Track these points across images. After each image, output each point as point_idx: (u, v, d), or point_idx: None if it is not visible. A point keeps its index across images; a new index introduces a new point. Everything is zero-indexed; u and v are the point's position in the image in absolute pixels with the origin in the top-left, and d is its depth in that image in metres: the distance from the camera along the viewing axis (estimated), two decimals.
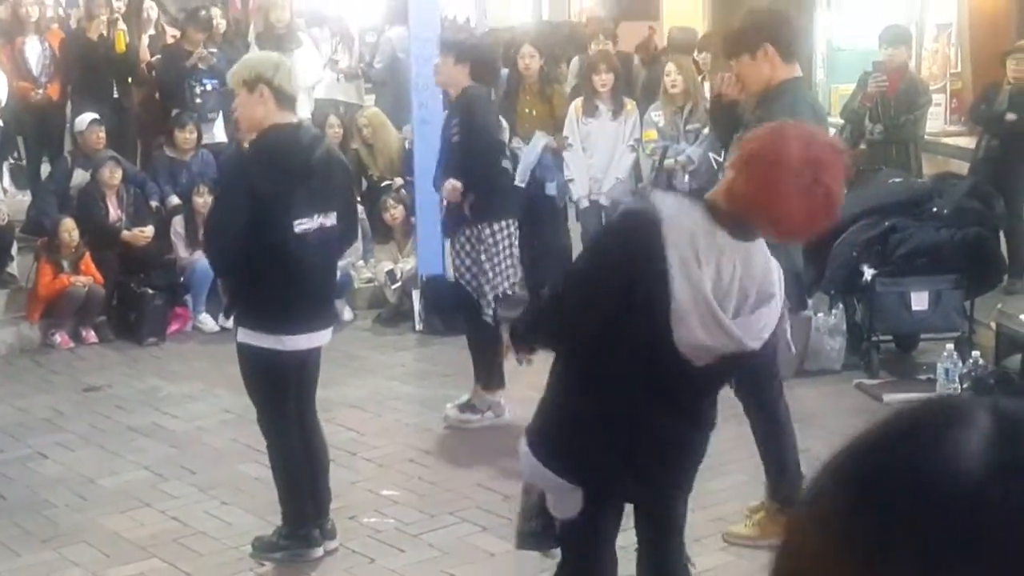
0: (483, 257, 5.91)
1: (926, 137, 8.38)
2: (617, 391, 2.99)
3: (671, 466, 3.16)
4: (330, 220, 4.39)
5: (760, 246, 2.99)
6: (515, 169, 7.35)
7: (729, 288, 2.90)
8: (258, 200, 4.20)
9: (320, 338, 4.51)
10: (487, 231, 5.92)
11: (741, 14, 4.72)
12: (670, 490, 3.24)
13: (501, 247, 5.98)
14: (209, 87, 9.16)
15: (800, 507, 0.78)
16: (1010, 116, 7.84)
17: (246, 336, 4.39)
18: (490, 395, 6.04)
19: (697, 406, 3.11)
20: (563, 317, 3.13)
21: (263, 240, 4.21)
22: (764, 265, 3.00)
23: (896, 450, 0.75)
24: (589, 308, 2.99)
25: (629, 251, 2.90)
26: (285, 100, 4.32)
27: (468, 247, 5.94)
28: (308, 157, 4.36)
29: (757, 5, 4.68)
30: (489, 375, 6.06)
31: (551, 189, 7.99)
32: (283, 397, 4.48)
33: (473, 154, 5.86)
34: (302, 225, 4.27)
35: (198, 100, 9.12)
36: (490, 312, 5.96)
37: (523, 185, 7.83)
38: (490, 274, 5.93)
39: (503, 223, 5.99)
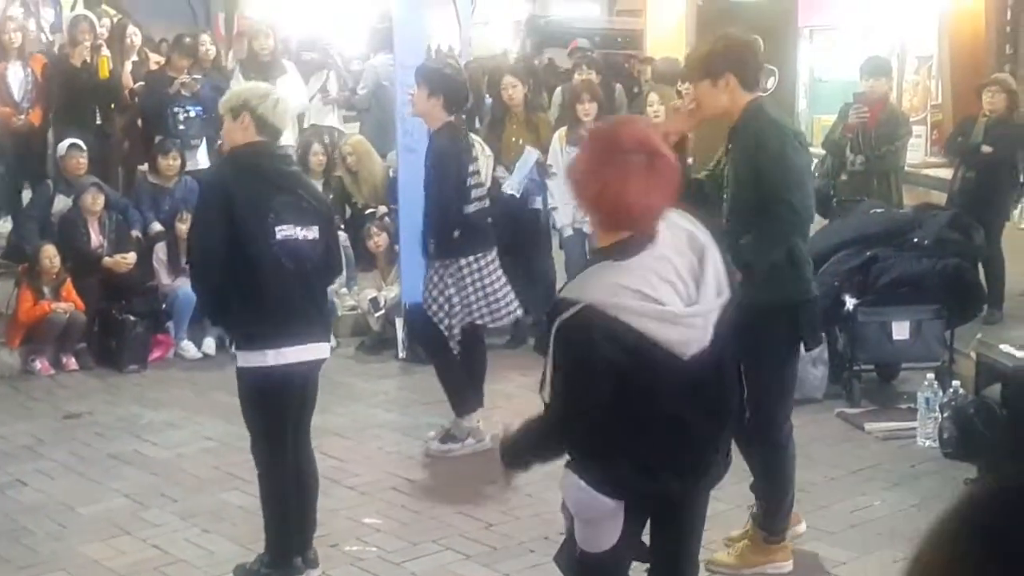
0: (451, 291, 5.95)
1: (907, 168, 8.45)
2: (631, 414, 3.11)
3: (703, 461, 3.24)
4: (312, 233, 4.41)
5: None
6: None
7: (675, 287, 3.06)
8: (236, 208, 4.24)
9: (314, 351, 4.50)
10: (454, 266, 5.97)
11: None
12: (704, 488, 3.32)
13: (469, 281, 6.01)
14: (192, 114, 9.17)
15: (921, 555, 0.77)
16: (986, 148, 7.93)
17: (244, 360, 4.39)
18: (467, 421, 6.05)
19: (715, 400, 3.19)
20: (564, 434, 3.23)
21: (245, 250, 4.23)
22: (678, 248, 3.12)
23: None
24: (587, 413, 3.10)
25: (597, 355, 2.99)
26: (266, 129, 4.37)
27: (436, 278, 5.99)
28: (283, 167, 4.47)
29: (731, 32, 4.72)
30: (462, 401, 6.07)
31: (536, 203, 8.05)
32: (280, 422, 4.48)
33: (442, 190, 5.96)
34: (283, 231, 4.29)
35: (181, 127, 9.11)
36: (455, 344, 6.05)
37: (518, 195, 7.91)
38: (457, 307, 5.97)
39: (470, 258, 6.02)
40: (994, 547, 0.72)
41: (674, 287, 3.05)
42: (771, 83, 6.91)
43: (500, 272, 6.24)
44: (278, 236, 4.28)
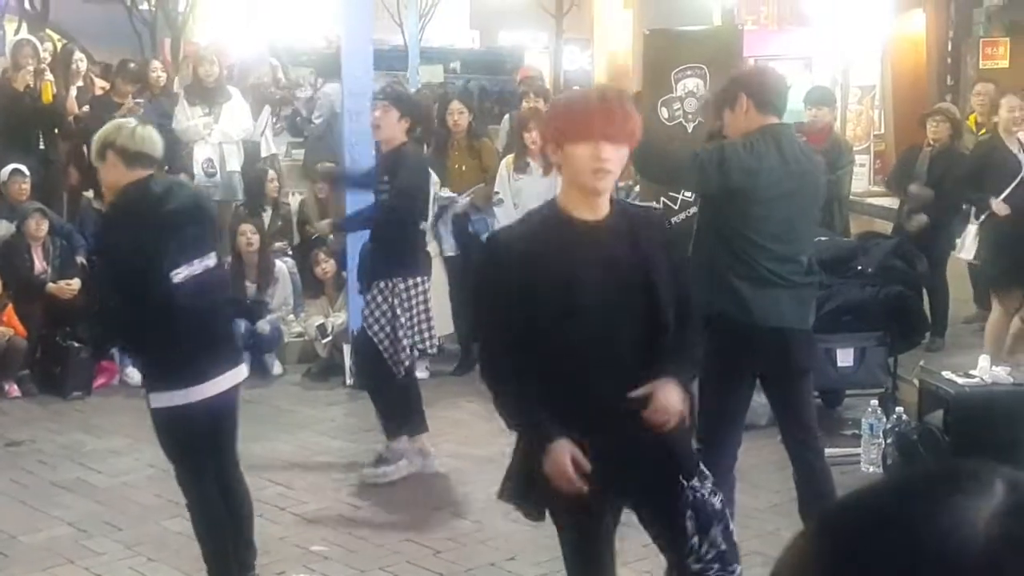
0: (398, 311, 5.93)
1: (851, 197, 8.58)
2: None
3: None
4: (210, 260, 4.39)
5: None
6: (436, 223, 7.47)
7: None
8: (129, 259, 4.18)
9: (230, 379, 4.47)
10: (401, 285, 5.95)
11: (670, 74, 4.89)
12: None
13: (415, 302, 6.01)
14: None
15: (783, 555, 0.77)
16: (913, 189, 8.07)
17: (159, 400, 4.31)
18: (397, 443, 6.05)
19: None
20: None
21: (147, 298, 4.18)
22: None
23: (899, 507, 0.73)
24: None
25: None
26: (132, 158, 4.25)
27: (380, 299, 5.96)
28: (165, 206, 4.31)
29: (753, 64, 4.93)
30: (397, 423, 6.08)
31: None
32: (199, 453, 4.43)
33: (401, 208, 5.94)
34: (179, 275, 4.24)
35: None
36: (402, 367, 6.04)
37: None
38: (405, 328, 5.95)
39: (417, 279, 6.03)
40: (835, 556, 0.74)
41: None
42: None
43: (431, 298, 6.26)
44: (176, 280, 4.22)
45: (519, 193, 7.98)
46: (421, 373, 8.10)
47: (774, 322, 4.41)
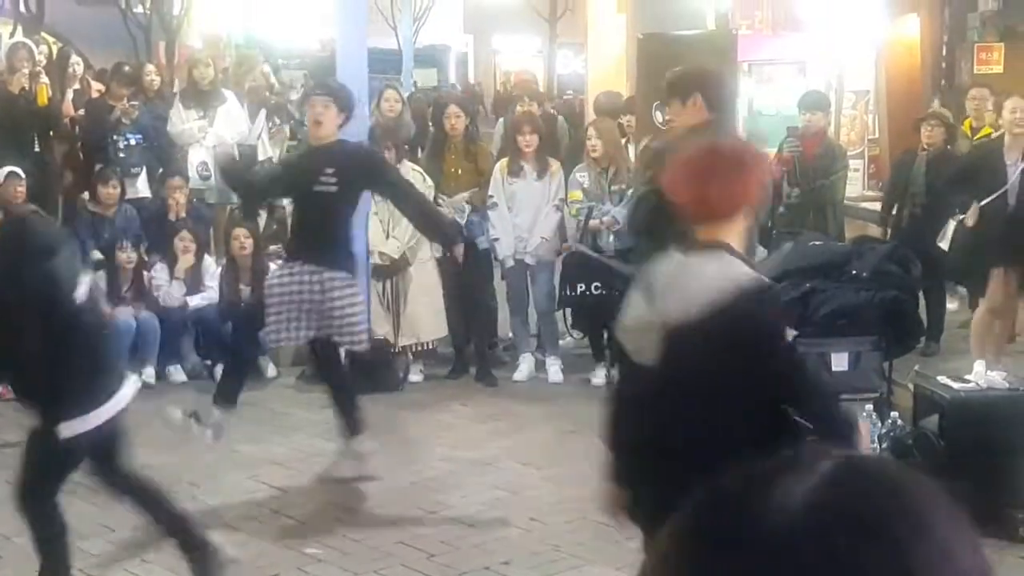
0: (340, 302, 5.94)
1: (845, 201, 8.60)
2: None
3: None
4: (89, 276, 4.46)
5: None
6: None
7: None
8: (36, 289, 4.17)
9: (129, 393, 4.49)
10: (336, 278, 5.94)
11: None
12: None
13: (360, 299, 6.13)
14: (132, 142, 9.14)
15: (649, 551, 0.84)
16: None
17: (70, 428, 4.27)
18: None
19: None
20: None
21: (55, 325, 4.18)
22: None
23: (734, 493, 0.79)
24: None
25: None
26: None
27: (320, 291, 5.93)
28: (45, 233, 4.42)
29: (686, 65, 5.07)
30: (356, 421, 6.13)
31: (483, 243, 8.07)
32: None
33: (352, 206, 6.06)
34: (80, 295, 4.27)
35: (121, 155, 9.08)
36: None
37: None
38: (337, 322, 5.98)
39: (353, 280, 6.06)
40: (689, 545, 0.79)
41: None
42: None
43: None
44: (78, 303, 4.23)
45: (513, 197, 8.00)
46: (415, 376, 8.12)
47: None
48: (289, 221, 7.05)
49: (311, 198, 5.98)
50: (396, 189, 6.33)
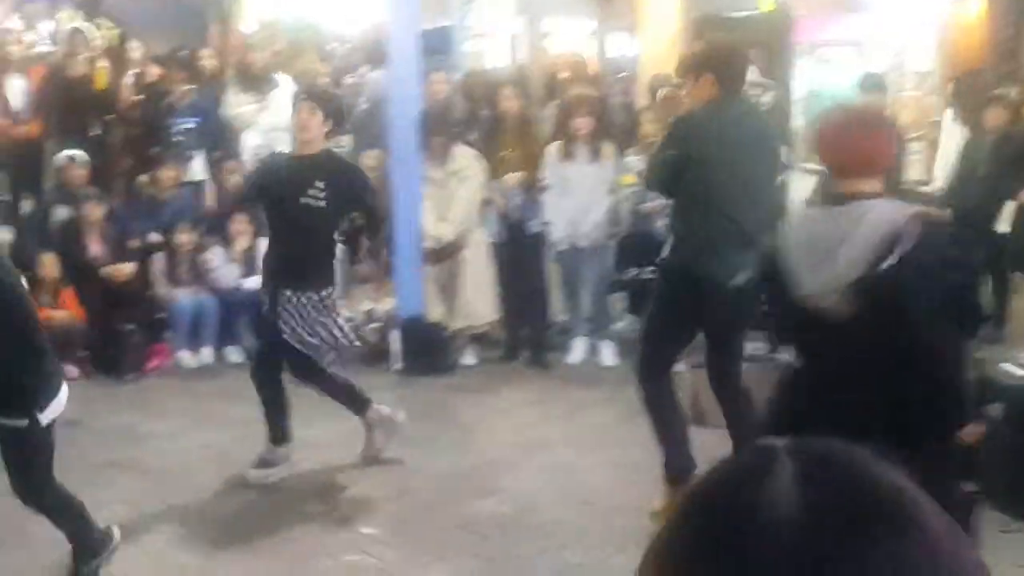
0: (322, 318, 5.71)
1: (906, 185, 8.50)
2: None
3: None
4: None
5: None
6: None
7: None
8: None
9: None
10: (316, 296, 5.69)
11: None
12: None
13: (331, 310, 5.80)
14: (189, 126, 9.23)
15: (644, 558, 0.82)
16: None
17: (50, 413, 4.35)
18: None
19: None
20: None
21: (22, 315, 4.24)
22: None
23: (718, 503, 0.78)
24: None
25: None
26: None
27: (298, 310, 5.68)
28: None
29: (719, 40, 5.42)
30: (361, 402, 6.10)
31: (535, 227, 8.07)
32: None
33: (336, 224, 5.75)
34: (22, 284, 4.34)
35: (178, 138, 9.17)
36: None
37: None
38: (322, 334, 5.76)
39: (329, 289, 5.83)
40: (681, 552, 0.78)
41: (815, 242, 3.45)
42: (768, 98, 6.98)
43: None
44: (19, 290, 4.29)
45: (566, 180, 7.98)
46: (468, 359, 8.17)
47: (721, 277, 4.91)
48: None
49: (296, 212, 5.58)
50: (373, 217, 6.03)
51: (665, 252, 5.07)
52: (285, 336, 5.66)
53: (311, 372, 5.88)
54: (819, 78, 10.33)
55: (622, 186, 7.98)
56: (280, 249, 5.72)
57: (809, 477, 0.77)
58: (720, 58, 5.00)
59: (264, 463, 5.88)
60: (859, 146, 3.48)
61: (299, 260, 5.59)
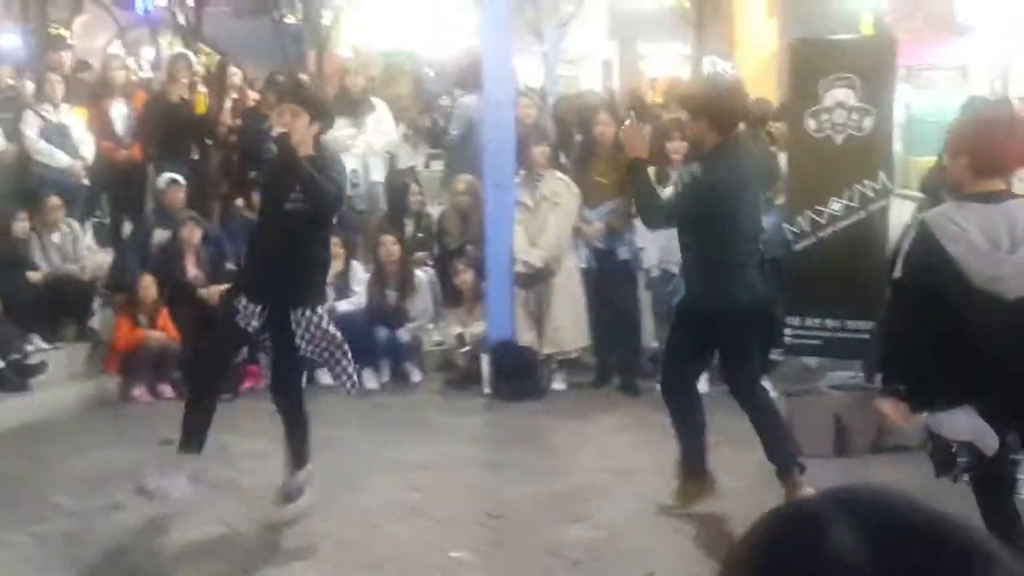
0: (332, 330, 5.45)
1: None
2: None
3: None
4: None
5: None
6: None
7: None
8: None
9: None
10: (319, 311, 5.41)
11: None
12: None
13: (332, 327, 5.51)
14: None
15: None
16: None
17: None
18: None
19: None
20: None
21: None
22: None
23: (779, 557, 0.79)
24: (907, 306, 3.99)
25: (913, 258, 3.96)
26: None
27: (312, 328, 5.39)
28: None
29: (713, 77, 5.49)
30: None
31: (624, 254, 8.01)
32: None
33: (326, 229, 5.51)
34: None
35: None
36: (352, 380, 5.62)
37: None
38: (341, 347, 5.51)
39: (326, 305, 5.57)
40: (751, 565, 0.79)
41: (988, 236, 3.84)
42: (868, 123, 6.85)
43: None
44: None
45: None
46: (558, 384, 8.13)
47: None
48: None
49: (280, 218, 5.27)
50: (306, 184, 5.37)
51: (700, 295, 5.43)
52: (305, 353, 5.41)
53: (295, 396, 5.62)
54: (921, 103, 10.13)
55: None
56: (264, 264, 5.35)
57: (869, 524, 0.77)
58: (713, 103, 5.28)
59: (289, 496, 5.59)
60: (1008, 148, 3.90)
61: (284, 275, 5.24)
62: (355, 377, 5.66)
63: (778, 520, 0.81)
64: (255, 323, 5.33)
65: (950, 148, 4.12)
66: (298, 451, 5.63)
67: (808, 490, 4.97)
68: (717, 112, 5.26)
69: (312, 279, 5.40)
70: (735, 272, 5.31)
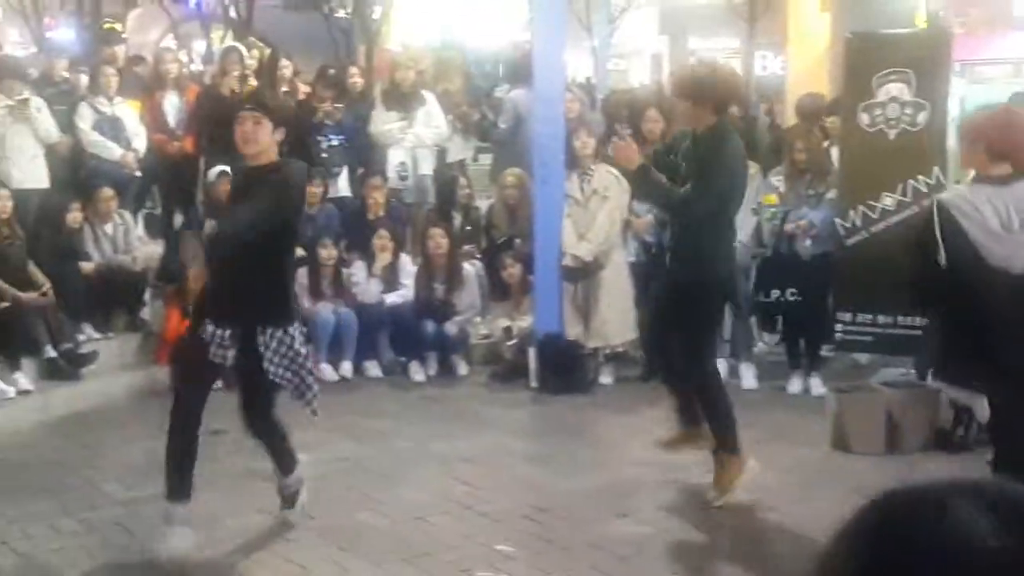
0: (303, 351, 5.13)
1: None
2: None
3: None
4: None
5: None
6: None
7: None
8: None
9: None
10: (290, 331, 5.04)
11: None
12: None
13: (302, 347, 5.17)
14: (335, 142, 9.41)
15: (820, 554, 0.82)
16: None
17: None
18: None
19: None
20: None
21: None
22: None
23: (908, 512, 0.78)
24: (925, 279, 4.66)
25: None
26: None
27: (283, 348, 5.01)
28: None
29: (713, 64, 5.80)
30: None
31: None
32: None
33: (293, 244, 5.33)
34: None
35: (324, 155, 9.35)
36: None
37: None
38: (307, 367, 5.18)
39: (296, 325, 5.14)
40: (864, 550, 0.78)
41: (1000, 216, 4.36)
42: (922, 118, 6.77)
43: None
44: None
45: None
46: (605, 378, 8.11)
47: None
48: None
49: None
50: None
51: (691, 268, 5.55)
52: (271, 377, 5.04)
53: (269, 422, 5.32)
54: (975, 97, 10.01)
55: (765, 206, 7.83)
56: (230, 285, 4.96)
57: (998, 506, 0.75)
58: (716, 86, 5.45)
59: (292, 497, 5.46)
60: (1010, 132, 4.45)
61: (251, 296, 4.90)
62: (315, 404, 5.22)
63: (893, 502, 0.80)
64: (230, 354, 4.99)
65: (969, 136, 4.63)
66: (282, 461, 5.41)
67: None
68: (714, 94, 5.41)
69: (279, 296, 5.05)
70: (720, 243, 5.50)
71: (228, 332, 4.96)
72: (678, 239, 5.66)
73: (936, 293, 4.50)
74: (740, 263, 7.88)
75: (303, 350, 5.10)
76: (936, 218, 4.41)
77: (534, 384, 7.93)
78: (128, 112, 9.28)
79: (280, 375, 5.02)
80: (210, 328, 4.98)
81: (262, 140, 4.97)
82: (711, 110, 5.41)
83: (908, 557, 0.74)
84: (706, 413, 5.69)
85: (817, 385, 7.68)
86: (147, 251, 9.04)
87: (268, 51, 11.31)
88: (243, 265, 4.89)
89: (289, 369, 5.02)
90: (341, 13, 21.89)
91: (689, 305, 5.52)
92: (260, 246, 4.83)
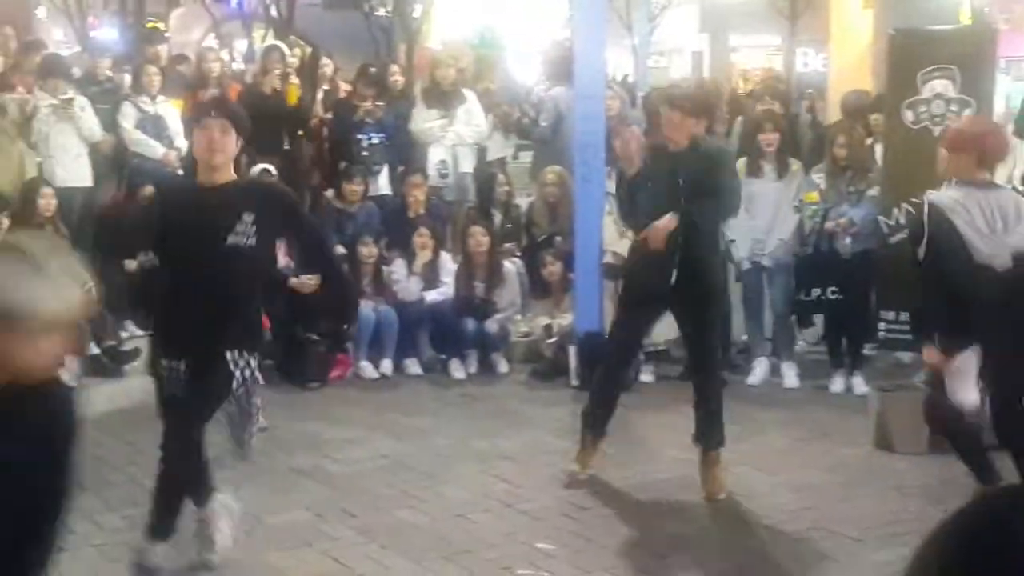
0: (260, 380, 4.99)
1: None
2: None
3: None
4: None
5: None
6: None
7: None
8: None
9: None
10: (257, 357, 4.81)
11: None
12: None
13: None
14: (376, 140, 9.43)
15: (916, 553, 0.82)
16: None
17: None
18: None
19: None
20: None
21: None
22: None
23: (1004, 515, 0.78)
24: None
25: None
26: None
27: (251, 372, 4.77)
28: None
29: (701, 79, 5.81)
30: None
31: None
32: None
33: (267, 266, 5.11)
34: None
35: (365, 153, 9.38)
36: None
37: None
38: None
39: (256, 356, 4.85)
40: (963, 551, 0.78)
41: (986, 217, 4.83)
42: (967, 113, 6.70)
43: None
44: None
45: (751, 198, 7.78)
46: (647, 376, 8.08)
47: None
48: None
49: (218, 255, 4.51)
50: (313, 236, 5.11)
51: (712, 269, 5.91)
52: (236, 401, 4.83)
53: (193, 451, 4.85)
54: (1020, 93, 9.90)
55: (806, 203, 7.78)
56: (194, 313, 4.51)
57: None
58: (710, 106, 5.95)
59: (210, 543, 4.95)
60: (999, 143, 5.03)
61: (221, 323, 4.51)
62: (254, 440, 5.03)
63: (992, 503, 0.81)
64: (180, 390, 4.64)
65: (957, 143, 4.97)
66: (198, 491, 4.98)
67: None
68: (713, 109, 6.03)
69: (253, 317, 4.77)
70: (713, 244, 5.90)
71: (183, 364, 4.59)
72: (691, 244, 5.68)
73: (929, 284, 4.93)
74: (782, 261, 7.89)
75: (261, 381, 4.91)
76: (927, 216, 4.81)
77: (574, 382, 7.91)
78: (171, 111, 9.35)
79: (238, 400, 4.79)
80: (164, 362, 4.67)
81: (228, 150, 4.64)
82: (704, 124, 5.77)
83: (1010, 554, 0.74)
84: (717, 411, 5.98)
85: (860, 384, 7.62)
86: None
87: (309, 50, 11.36)
88: (225, 284, 4.53)
89: (249, 394, 4.82)
90: (381, 11, 21.96)
91: (717, 305, 6.02)
92: (247, 266, 4.57)
